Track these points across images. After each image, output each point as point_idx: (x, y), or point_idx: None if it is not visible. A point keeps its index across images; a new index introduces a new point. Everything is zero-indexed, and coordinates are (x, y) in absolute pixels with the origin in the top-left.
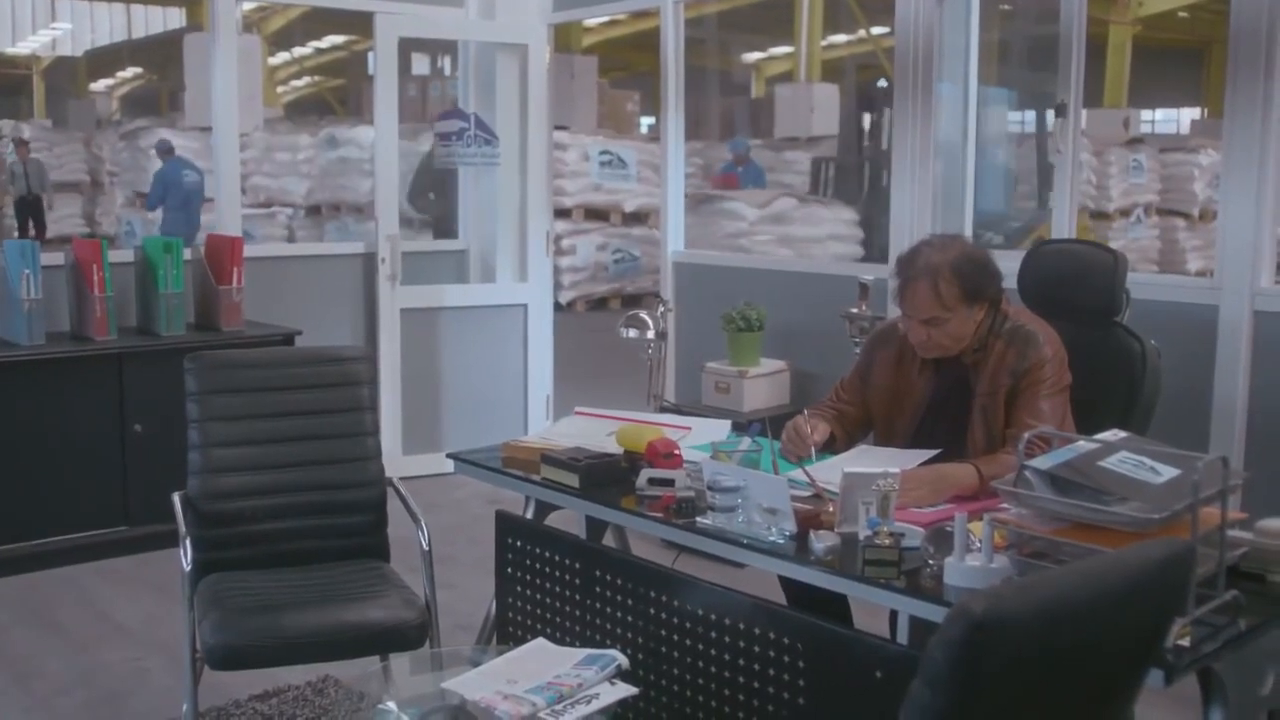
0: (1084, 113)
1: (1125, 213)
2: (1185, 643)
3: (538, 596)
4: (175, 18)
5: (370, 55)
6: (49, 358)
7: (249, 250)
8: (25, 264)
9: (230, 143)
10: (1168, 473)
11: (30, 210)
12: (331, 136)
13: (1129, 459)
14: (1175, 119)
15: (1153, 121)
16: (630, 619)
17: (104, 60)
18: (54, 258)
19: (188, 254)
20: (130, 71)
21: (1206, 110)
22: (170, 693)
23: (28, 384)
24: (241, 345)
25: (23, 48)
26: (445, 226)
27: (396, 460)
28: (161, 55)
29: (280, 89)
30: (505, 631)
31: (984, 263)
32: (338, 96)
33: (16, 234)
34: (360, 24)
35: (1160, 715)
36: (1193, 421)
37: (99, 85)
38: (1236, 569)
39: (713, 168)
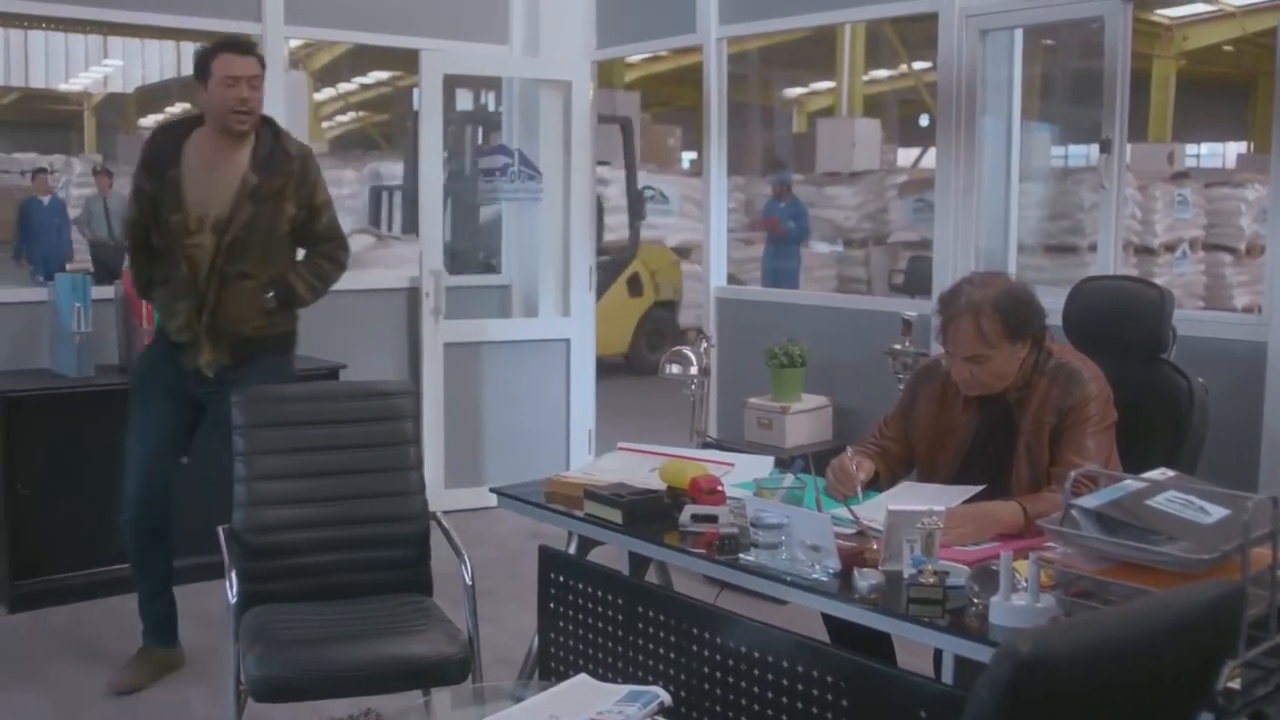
0: (1128, 147)
1: (1170, 248)
2: (1236, 685)
3: (580, 632)
4: None
5: (415, 91)
6: (98, 390)
7: None
8: (76, 298)
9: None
10: (1217, 512)
11: (110, 261)
12: (376, 171)
13: (1177, 498)
14: (1221, 153)
15: (1198, 156)
16: (673, 655)
17: (154, 96)
18: (104, 291)
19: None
20: (180, 107)
21: (1253, 144)
22: None
23: (77, 415)
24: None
25: (75, 84)
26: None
27: (439, 494)
28: None
29: (325, 124)
30: (547, 667)
31: (1026, 299)
32: (382, 132)
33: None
34: (406, 60)
35: None
36: (1242, 460)
37: (149, 121)
38: None
39: (754, 203)
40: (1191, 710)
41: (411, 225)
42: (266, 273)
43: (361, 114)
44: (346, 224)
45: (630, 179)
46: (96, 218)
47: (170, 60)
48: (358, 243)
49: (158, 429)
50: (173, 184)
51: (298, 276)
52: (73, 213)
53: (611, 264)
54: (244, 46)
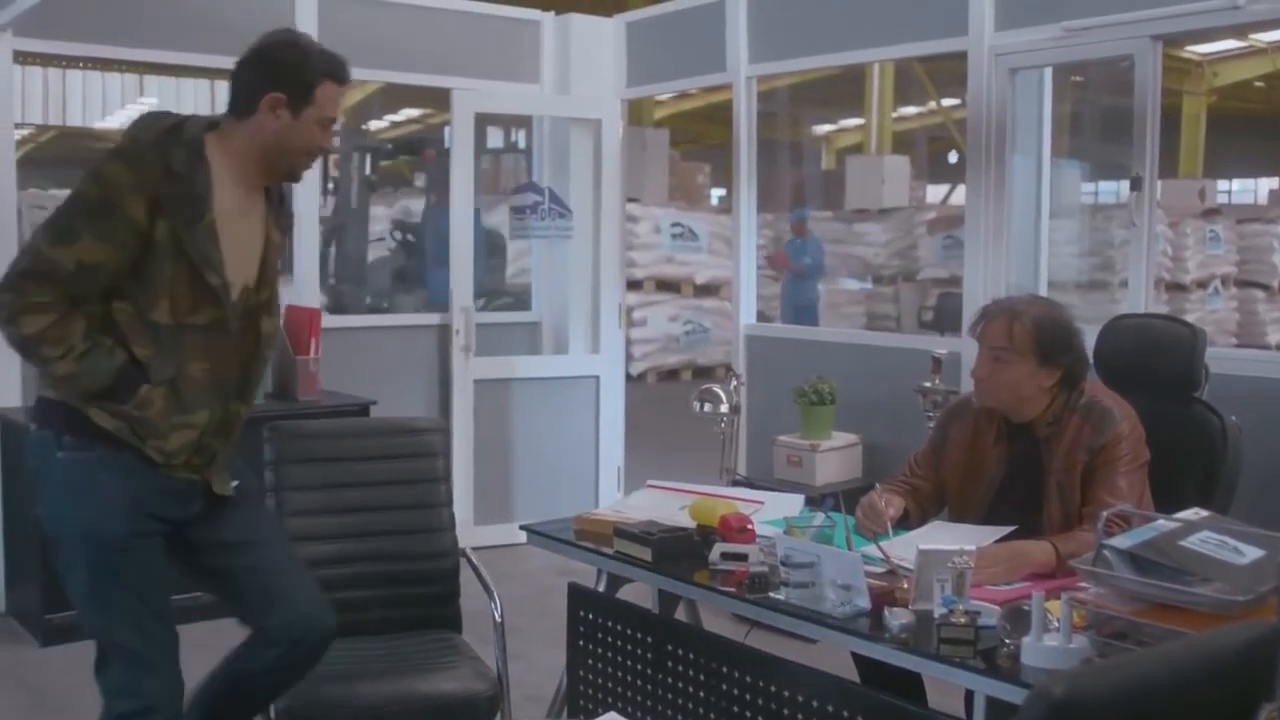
0: (1159, 184)
1: (1203, 284)
2: None
3: (609, 669)
4: None
5: (446, 130)
6: None
7: (326, 321)
8: None
9: (310, 215)
10: (1252, 553)
11: None
12: (406, 209)
13: (1211, 538)
14: (1253, 189)
15: (1229, 192)
16: (702, 694)
17: None
18: None
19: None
20: None
21: None
22: None
23: None
24: (318, 415)
25: (111, 123)
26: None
27: (468, 530)
28: None
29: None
30: (576, 705)
31: (1068, 330)
32: (413, 169)
33: None
34: (437, 99)
35: None
36: (1277, 500)
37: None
38: None
39: (783, 239)
40: None
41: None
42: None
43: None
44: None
45: None
46: None
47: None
48: None
49: (164, 590)
50: (209, 232)
51: None
52: None
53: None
54: (347, 77)
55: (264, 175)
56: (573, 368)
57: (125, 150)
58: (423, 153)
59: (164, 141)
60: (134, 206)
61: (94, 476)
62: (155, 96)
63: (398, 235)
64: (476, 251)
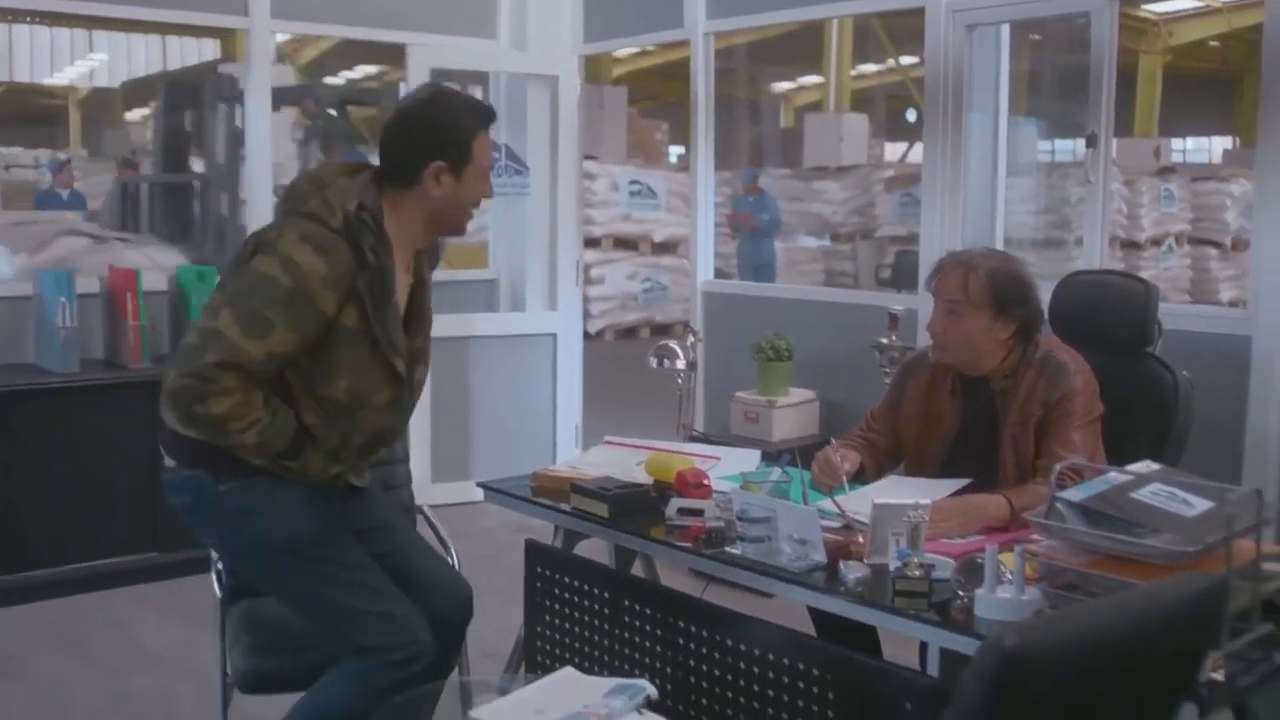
0: (1114, 142)
1: (1157, 242)
2: (1219, 676)
3: (566, 625)
4: (210, 49)
5: (401, 85)
6: (83, 385)
7: None
8: (61, 292)
9: (263, 173)
10: (1201, 505)
11: None
12: None
13: (1161, 491)
14: (1207, 148)
15: (1184, 151)
16: (659, 649)
17: (139, 91)
18: (89, 285)
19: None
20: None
21: (1239, 139)
22: None
23: (62, 410)
24: None
25: (60, 79)
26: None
27: (425, 488)
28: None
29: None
30: (533, 660)
31: (1023, 282)
32: (369, 126)
33: None
34: (392, 55)
35: None
36: (1226, 453)
37: (134, 115)
38: (1272, 603)
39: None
40: (1176, 702)
41: (162, 224)
42: None
43: (351, 109)
44: None
45: None
46: (112, 209)
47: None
48: (66, 246)
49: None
50: (395, 314)
51: None
52: (92, 204)
53: None
54: (493, 114)
55: (431, 236)
56: (530, 325)
57: (315, 237)
58: (301, 103)
59: (355, 226)
60: (327, 300)
61: (268, 496)
62: (105, 52)
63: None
64: None
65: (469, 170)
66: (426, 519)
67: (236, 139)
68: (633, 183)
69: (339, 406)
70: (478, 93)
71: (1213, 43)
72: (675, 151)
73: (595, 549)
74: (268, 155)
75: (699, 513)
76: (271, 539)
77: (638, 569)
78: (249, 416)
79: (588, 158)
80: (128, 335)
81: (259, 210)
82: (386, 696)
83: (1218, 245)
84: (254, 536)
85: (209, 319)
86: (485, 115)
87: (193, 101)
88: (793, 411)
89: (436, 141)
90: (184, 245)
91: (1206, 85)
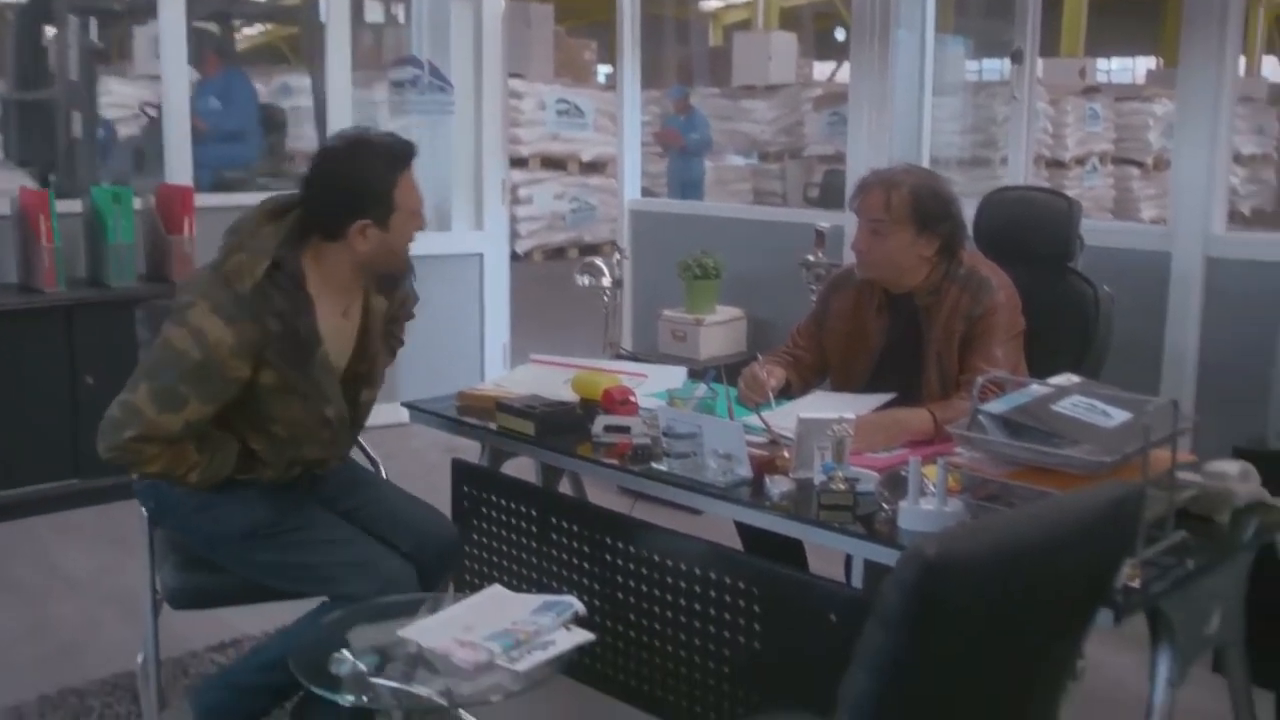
0: (1040, 61)
1: (1081, 161)
2: (1135, 583)
3: (494, 544)
4: None
5: (321, 3)
6: None
7: (200, 200)
8: None
9: (181, 91)
10: (1119, 416)
11: None
12: (285, 85)
13: (1081, 403)
14: (1131, 68)
15: (1109, 71)
16: (587, 565)
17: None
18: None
19: (138, 204)
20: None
21: (1162, 60)
22: (125, 644)
23: None
24: None
25: None
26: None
27: None
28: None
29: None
30: (462, 579)
31: (945, 198)
32: (291, 45)
33: None
34: None
35: (1109, 653)
36: (1145, 366)
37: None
38: (1185, 511)
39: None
40: (1093, 608)
41: (18, 148)
42: None
43: (269, 26)
44: None
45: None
46: None
47: None
48: None
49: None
50: (323, 366)
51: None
52: None
53: None
54: (413, 150)
55: (371, 280)
56: (456, 245)
57: (224, 308)
58: None
59: (264, 290)
60: (238, 368)
61: (226, 491)
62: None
63: (151, 112)
64: (249, 126)
65: (395, 218)
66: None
67: (90, 54)
68: (560, 102)
69: (280, 440)
70: (400, 10)
71: None
72: (604, 71)
73: (522, 467)
74: (184, 76)
75: (625, 430)
76: (232, 529)
77: (565, 487)
78: (185, 465)
79: (514, 76)
80: (42, 258)
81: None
82: None
83: (1140, 165)
84: (216, 530)
85: (129, 391)
86: (404, 157)
87: (47, 15)
88: (720, 329)
89: (358, 200)
90: (34, 167)
91: (1132, 5)
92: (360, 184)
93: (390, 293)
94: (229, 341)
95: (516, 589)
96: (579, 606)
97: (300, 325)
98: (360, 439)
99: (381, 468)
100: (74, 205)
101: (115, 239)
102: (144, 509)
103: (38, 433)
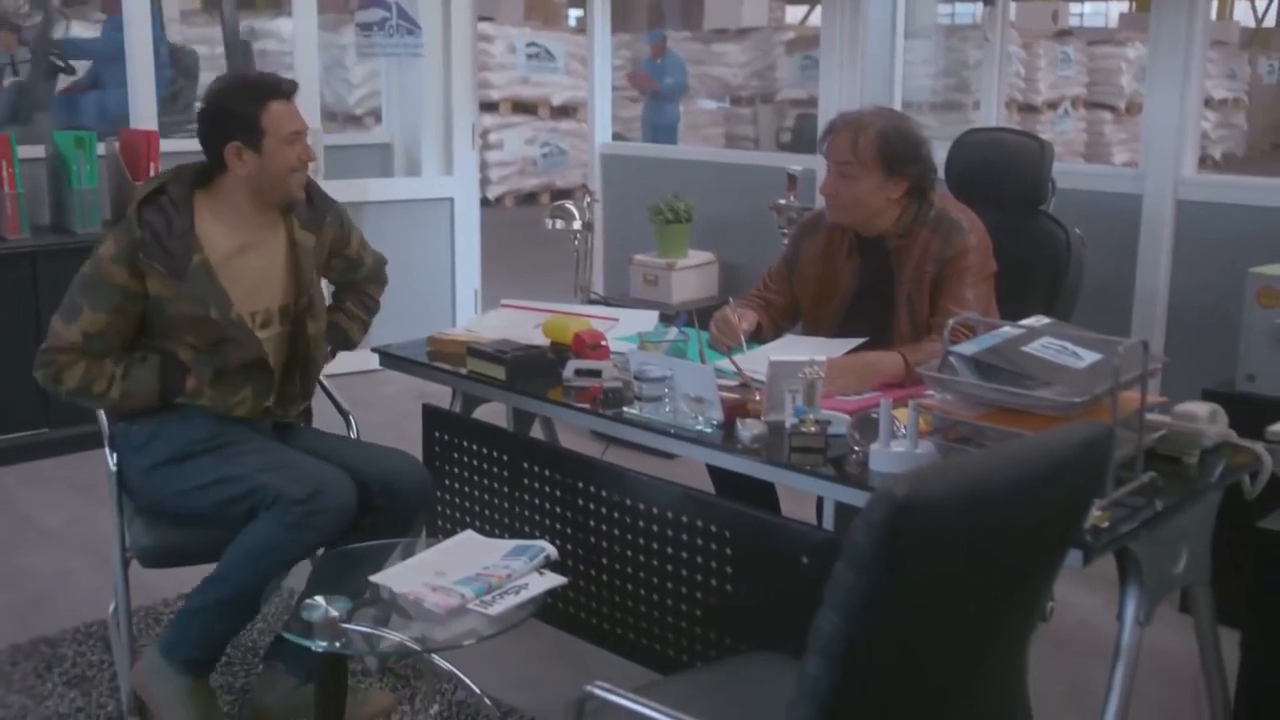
0: (1013, 5)
1: (1053, 105)
2: (1104, 524)
3: (466, 489)
4: None
5: None
6: None
7: (166, 145)
8: None
9: (143, 35)
10: (1089, 357)
11: None
12: (250, 29)
13: (1052, 344)
14: (1104, 12)
15: (1081, 15)
16: (559, 510)
17: None
18: None
19: (101, 149)
20: None
21: (1134, 3)
22: (96, 594)
23: None
24: None
25: None
26: None
27: None
28: None
29: None
30: (434, 525)
31: (914, 140)
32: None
33: None
34: None
35: (1078, 593)
36: (1115, 308)
37: None
38: (1154, 451)
39: (641, 60)
40: (1062, 549)
41: None
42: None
43: None
44: None
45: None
46: None
47: None
48: None
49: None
50: (201, 272)
51: (350, 319)
52: None
53: None
54: (288, 87)
55: (265, 209)
56: (426, 190)
57: (115, 225)
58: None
59: (141, 209)
60: (118, 274)
61: (170, 416)
62: None
63: (56, 61)
64: (155, 69)
65: (266, 142)
66: (324, 388)
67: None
68: (530, 45)
69: (198, 349)
70: None
71: None
72: (574, 14)
73: (494, 412)
74: (146, 18)
75: (596, 374)
76: (174, 450)
77: (537, 431)
78: (103, 378)
79: (483, 19)
80: (4, 204)
81: None
82: (302, 533)
83: (1112, 109)
84: (161, 456)
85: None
86: (270, 86)
87: None
88: (692, 273)
89: (225, 124)
90: None
91: None
92: (224, 109)
93: (317, 230)
94: (109, 251)
95: (488, 534)
96: (551, 550)
97: (172, 237)
98: (331, 389)
99: (352, 419)
100: (36, 150)
101: (79, 184)
102: (120, 464)
103: (4, 382)
